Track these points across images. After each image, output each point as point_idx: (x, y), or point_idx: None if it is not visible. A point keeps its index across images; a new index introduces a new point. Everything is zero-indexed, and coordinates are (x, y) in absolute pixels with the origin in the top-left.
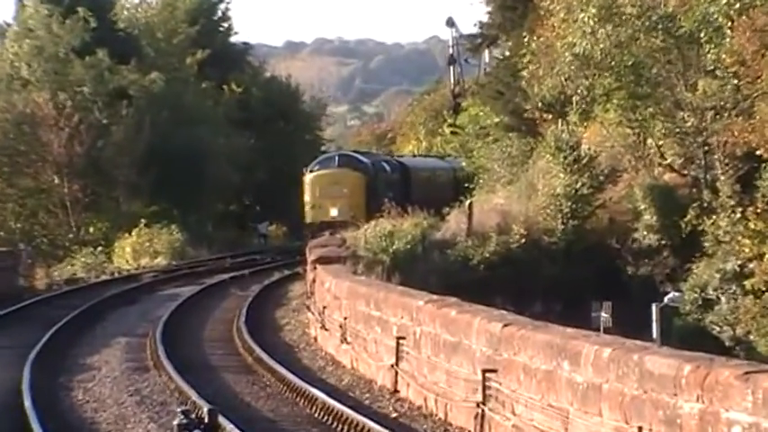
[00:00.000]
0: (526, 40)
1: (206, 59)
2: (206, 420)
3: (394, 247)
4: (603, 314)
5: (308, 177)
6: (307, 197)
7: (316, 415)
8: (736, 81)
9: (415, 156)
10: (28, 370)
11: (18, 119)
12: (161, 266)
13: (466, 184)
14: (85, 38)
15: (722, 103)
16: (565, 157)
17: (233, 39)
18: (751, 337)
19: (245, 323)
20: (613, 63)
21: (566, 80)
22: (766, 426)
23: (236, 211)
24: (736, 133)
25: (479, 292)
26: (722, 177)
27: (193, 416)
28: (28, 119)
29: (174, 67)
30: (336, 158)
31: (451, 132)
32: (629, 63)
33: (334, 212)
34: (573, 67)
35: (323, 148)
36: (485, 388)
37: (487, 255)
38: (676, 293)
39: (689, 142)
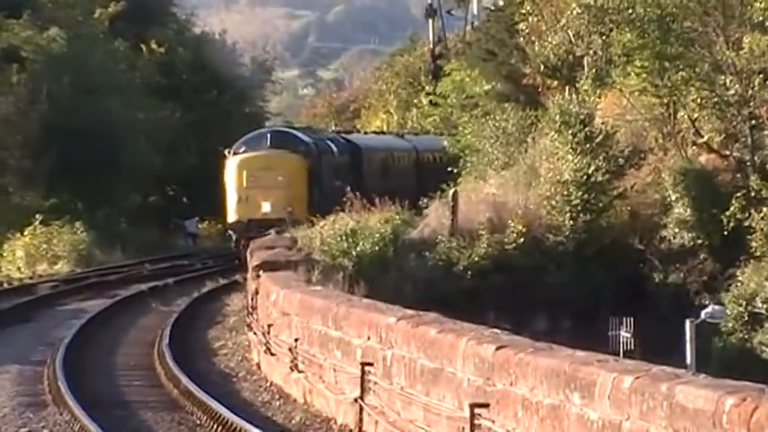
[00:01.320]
0: None
1: (119, 12)
2: None
3: (358, 250)
4: (624, 333)
5: (231, 162)
6: (230, 188)
7: None
8: None
9: (366, 133)
10: None
11: None
12: (62, 275)
13: (450, 168)
14: None
15: None
16: (574, 135)
17: None
18: None
19: (168, 346)
20: (635, 15)
21: (574, 37)
22: None
23: (157, 203)
24: None
25: (467, 305)
26: None
27: None
28: None
29: (77, 21)
30: (269, 137)
31: (430, 103)
32: (655, 15)
33: (266, 208)
34: (583, 21)
35: (268, 124)
36: (473, 427)
37: (477, 258)
38: (716, 307)
39: (731, 115)
